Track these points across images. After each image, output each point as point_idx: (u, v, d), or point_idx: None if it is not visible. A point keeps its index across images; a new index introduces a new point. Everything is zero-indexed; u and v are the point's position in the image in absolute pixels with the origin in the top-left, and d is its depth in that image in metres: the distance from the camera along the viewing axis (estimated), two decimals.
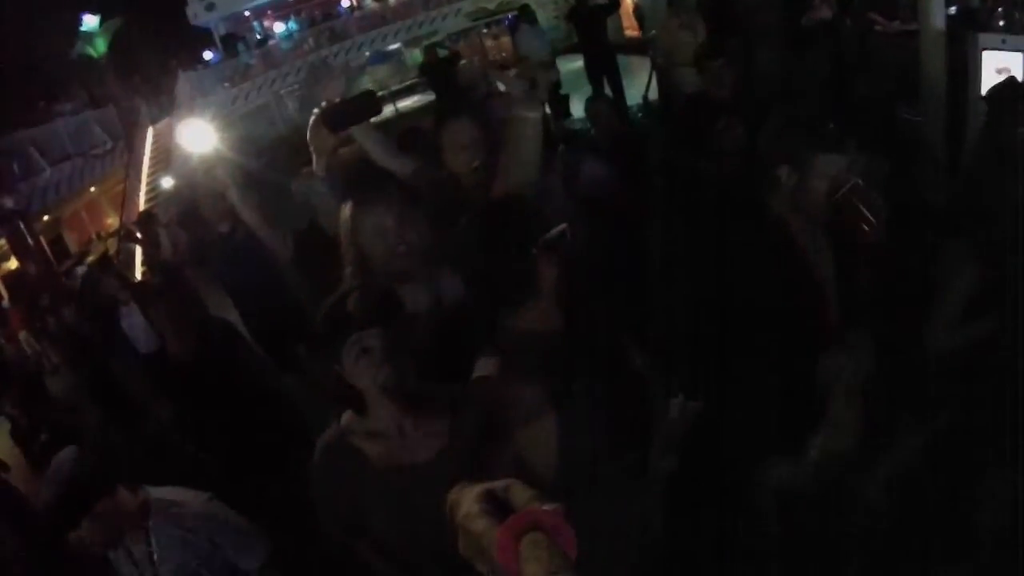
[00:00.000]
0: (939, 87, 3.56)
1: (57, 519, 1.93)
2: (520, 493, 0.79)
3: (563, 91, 7.88)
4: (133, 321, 4.21)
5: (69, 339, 5.03)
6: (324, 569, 2.14)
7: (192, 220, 4.04)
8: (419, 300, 1.91)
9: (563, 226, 1.44)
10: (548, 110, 7.82)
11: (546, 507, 0.75)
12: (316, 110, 2.01)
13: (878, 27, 4.88)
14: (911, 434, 1.74)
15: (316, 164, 2.09)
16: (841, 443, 1.70)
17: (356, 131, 2.15)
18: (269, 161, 4.84)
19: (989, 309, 1.78)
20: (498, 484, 0.81)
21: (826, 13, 4.54)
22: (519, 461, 1.37)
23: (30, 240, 11.58)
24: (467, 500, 0.82)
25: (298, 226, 2.57)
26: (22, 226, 11.31)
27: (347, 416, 1.73)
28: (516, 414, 1.39)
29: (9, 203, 11.52)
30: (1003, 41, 3.37)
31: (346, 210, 1.92)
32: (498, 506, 0.79)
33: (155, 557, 1.99)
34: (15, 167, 13.11)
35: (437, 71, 9.99)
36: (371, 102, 2.01)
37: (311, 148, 2.06)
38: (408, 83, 13.61)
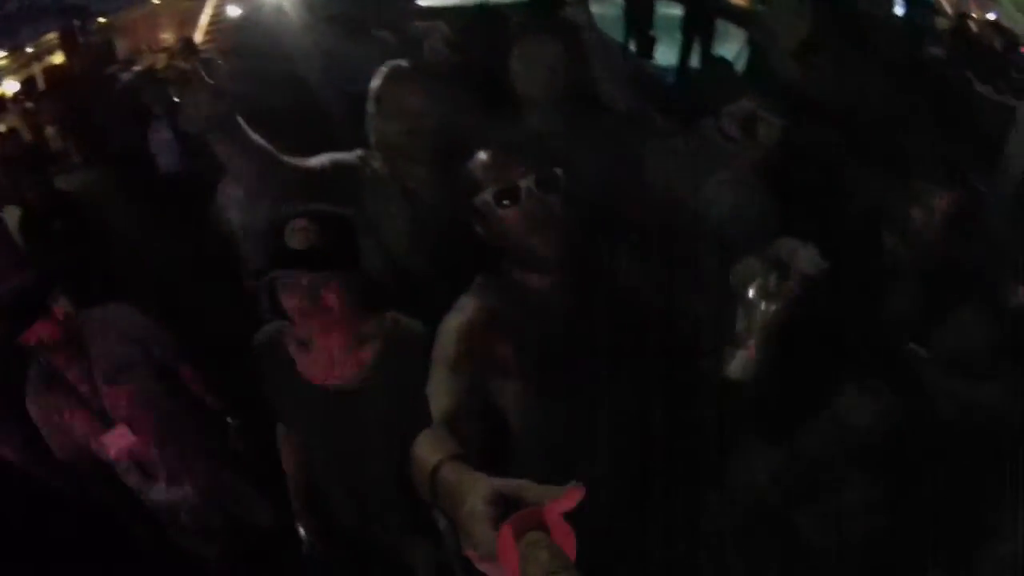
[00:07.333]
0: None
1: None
2: (532, 492, 0.77)
3: (652, 31, 7.60)
4: (162, 136, 4.22)
5: (99, 137, 5.01)
6: None
7: (248, 51, 3.93)
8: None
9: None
10: (633, 47, 7.52)
11: (564, 492, 0.72)
12: None
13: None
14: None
15: None
16: (738, 368, 1.42)
17: None
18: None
19: None
20: (509, 484, 0.80)
21: (938, 50, 4.29)
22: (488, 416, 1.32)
23: (81, 38, 11.41)
24: (472, 497, 0.81)
25: None
26: (77, 22, 11.12)
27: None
28: (490, 367, 1.33)
29: None
30: None
31: None
32: (506, 506, 0.77)
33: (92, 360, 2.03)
34: None
35: None
36: None
37: None
38: None
